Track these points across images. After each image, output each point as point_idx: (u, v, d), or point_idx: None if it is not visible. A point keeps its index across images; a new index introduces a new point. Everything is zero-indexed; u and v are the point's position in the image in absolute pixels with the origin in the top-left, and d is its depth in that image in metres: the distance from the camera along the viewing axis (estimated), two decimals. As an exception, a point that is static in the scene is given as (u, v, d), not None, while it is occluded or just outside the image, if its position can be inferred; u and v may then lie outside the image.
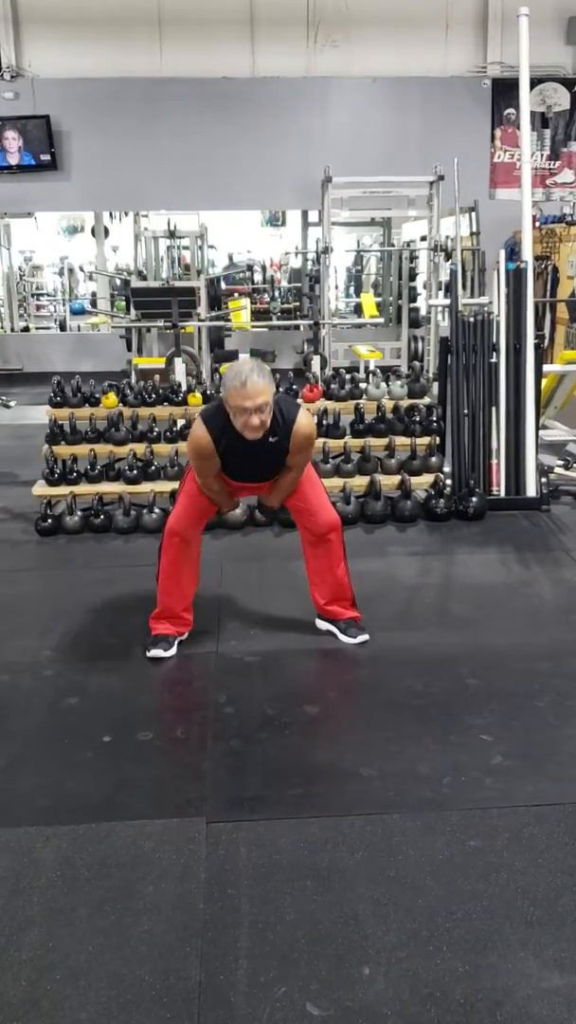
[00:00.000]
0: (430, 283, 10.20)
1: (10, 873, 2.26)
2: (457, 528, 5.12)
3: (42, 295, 15.58)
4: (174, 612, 3.54)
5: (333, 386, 5.89)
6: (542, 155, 11.65)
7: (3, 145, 11.13)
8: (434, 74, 11.31)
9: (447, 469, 5.50)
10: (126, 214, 13.65)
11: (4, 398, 7.91)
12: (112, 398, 5.71)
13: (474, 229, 11.05)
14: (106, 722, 3.01)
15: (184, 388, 5.91)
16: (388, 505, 5.21)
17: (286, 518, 4.24)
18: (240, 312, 12.05)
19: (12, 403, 8.09)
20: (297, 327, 11.77)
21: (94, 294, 14.75)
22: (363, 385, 5.94)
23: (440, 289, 9.37)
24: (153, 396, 5.82)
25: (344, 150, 10.64)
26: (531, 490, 5.41)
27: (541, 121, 11.51)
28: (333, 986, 1.91)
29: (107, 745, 2.88)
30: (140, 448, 5.46)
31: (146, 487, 5.24)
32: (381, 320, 11.71)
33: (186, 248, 12.54)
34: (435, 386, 6.28)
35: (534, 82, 10.60)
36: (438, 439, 5.66)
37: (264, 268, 15.38)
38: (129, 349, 10.39)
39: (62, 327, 14.31)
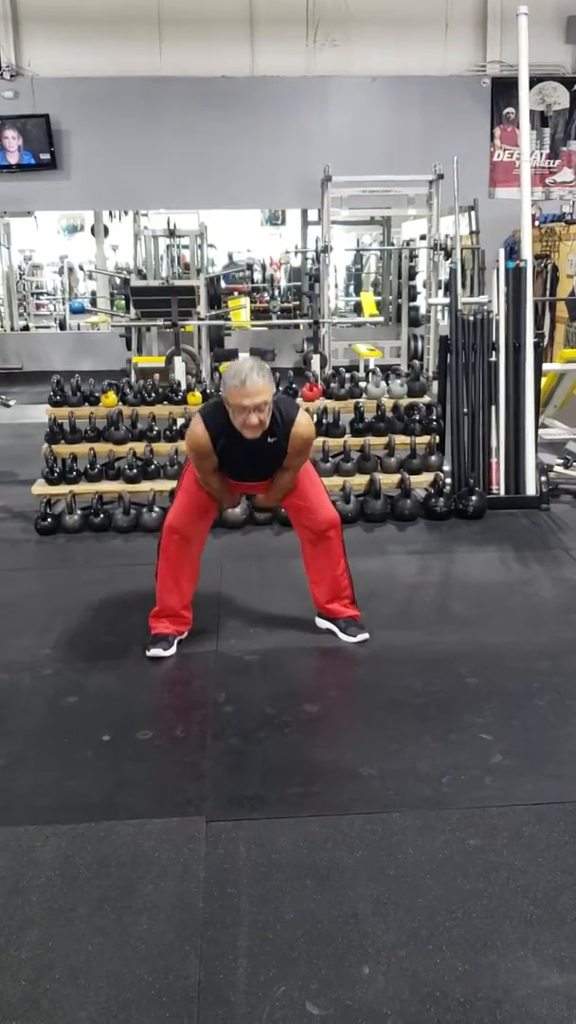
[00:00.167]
0: (430, 282, 10.21)
1: (9, 872, 2.26)
2: (457, 527, 5.11)
3: (42, 294, 15.59)
4: (173, 611, 3.54)
5: (333, 385, 5.89)
6: (541, 154, 11.65)
7: (3, 144, 11.14)
8: (434, 73, 11.31)
9: (447, 468, 5.50)
10: (126, 213, 13.67)
11: (4, 397, 7.91)
12: (112, 397, 5.71)
13: (474, 228, 11.05)
14: (105, 721, 3.01)
15: (184, 387, 5.91)
16: (388, 504, 5.20)
17: (286, 516, 4.24)
18: (240, 311, 12.05)
19: (12, 402, 8.09)
20: (297, 326, 11.77)
21: (94, 293, 14.77)
22: (363, 384, 5.94)
23: (440, 288, 9.38)
24: (153, 395, 5.82)
25: (344, 149, 10.64)
26: (531, 489, 5.40)
27: (540, 120, 11.51)
28: (333, 985, 1.90)
29: (107, 744, 2.88)
30: (140, 447, 5.46)
31: (146, 486, 5.24)
32: (381, 319, 11.72)
33: (186, 247, 12.55)
34: (435, 385, 6.29)
35: (533, 81, 10.60)
36: (438, 438, 5.66)
37: (264, 267, 15.39)
38: (129, 348, 10.39)
39: (62, 326, 14.33)
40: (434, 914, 2.09)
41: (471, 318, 5.42)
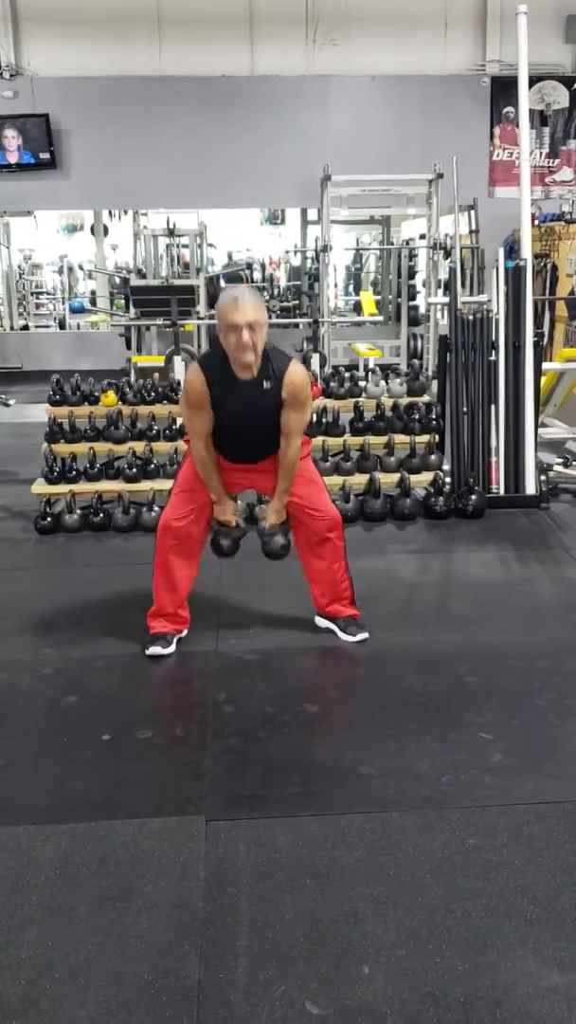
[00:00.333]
0: (429, 281, 10.21)
1: (9, 872, 2.26)
2: (456, 526, 5.11)
3: (41, 293, 15.59)
4: (168, 610, 3.53)
5: (332, 384, 5.89)
6: (541, 153, 11.65)
7: (2, 144, 11.13)
8: (433, 72, 11.31)
9: (446, 467, 5.50)
10: (125, 212, 13.67)
11: (3, 396, 7.91)
12: (111, 396, 5.71)
13: (473, 227, 11.05)
14: (105, 720, 3.01)
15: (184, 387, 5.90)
16: (387, 503, 5.20)
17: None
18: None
19: (11, 401, 8.10)
20: (296, 325, 11.77)
21: (93, 292, 14.77)
22: (362, 383, 5.94)
23: (439, 287, 9.38)
24: (152, 394, 5.82)
25: (343, 148, 10.64)
26: (530, 488, 5.40)
27: (540, 119, 11.51)
28: (332, 985, 1.90)
29: (106, 743, 2.88)
30: (139, 446, 5.46)
31: (145, 485, 5.24)
32: (380, 318, 11.70)
33: (185, 246, 12.54)
34: (434, 384, 6.28)
35: (533, 80, 10.60)
36: (437, 437, 5.66)
37: (263, 266, 15.38)
38: (128, 347, 10.40)
39: (61, 325, 14.32)
40: (434, 913, 2.09)
41: (471, 317, 5.42)
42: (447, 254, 9.33)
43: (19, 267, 14.98)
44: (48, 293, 15.65)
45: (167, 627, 3.52)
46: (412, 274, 12.42)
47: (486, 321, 5.40)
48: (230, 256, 15.43)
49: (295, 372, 3.25)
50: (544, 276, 10.07)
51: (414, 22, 11.21)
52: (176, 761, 2.79)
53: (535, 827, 2.40)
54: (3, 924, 2.09)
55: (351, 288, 15.01)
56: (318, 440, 5.41)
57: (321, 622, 3.69)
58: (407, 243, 12.74)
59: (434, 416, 5.67)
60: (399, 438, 5.59)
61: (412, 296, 12.02)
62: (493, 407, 5.40)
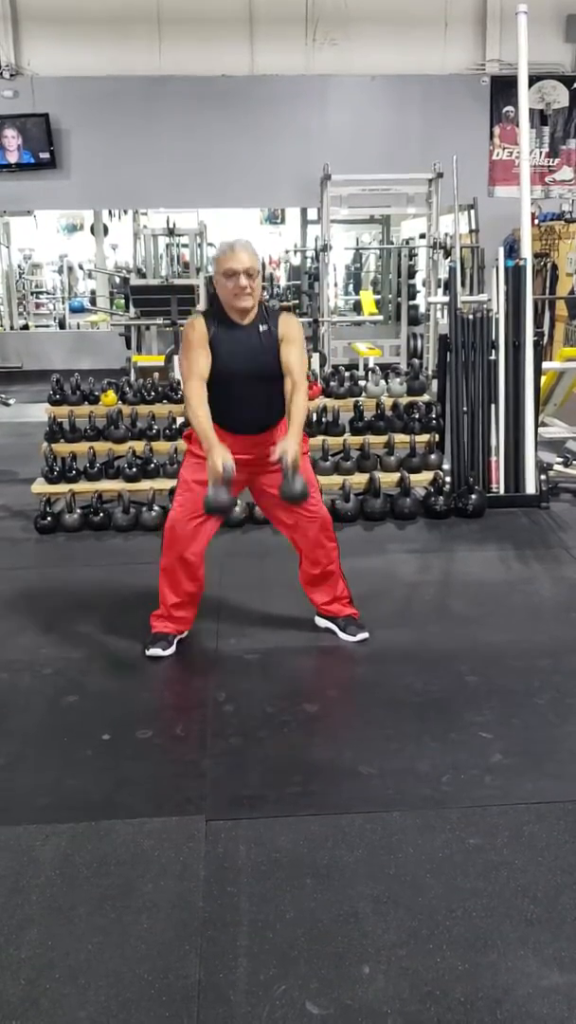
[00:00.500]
0: (429, 280, 10.21)
1: (9, 871, 2.26)
2: (456, 525, 5.11)
3: (41, 293, 15.59)
4: (173, 610, 3.53)
5: (332, 384, 5.89)
6: (541, 152, 11.65)
7: (2, 143, 11.13)
8: (433, 72, 11.31)
9: (446, 466, 5.50)
10: (125, 212, 13.67)
11: (3, 396, 7.92)
12: (111, 396, 5.71)
13: (473, 226, 11.05)
14: (105, 720, 3.01)
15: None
16: (387, 502, 5.20)
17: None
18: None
19: (11, 401, 8.10)
20: (296, 325, 11.74)
21: (93, 292, 14.77)
22: (362, 383, 5.94)
23: (439, 286, 9.38)
24: (152, 394, 5.82)
25: (343, 148, 10.64)
26: (530, 487, 5.40)
27: (540, 119, 11.51)
28: (333, 984, 1.90)
29: (106, 743, 2.88)
30: (139, 446, 5.46)
31: (145, 485, 5.24)
32: (380, 318, 11.71)
33: (185, 246, 12.54)
34: (434, 383, 6.29)
35: (533, 80, 10.60)
36: (437, 436, 5.66)
37: (264, 265, 15.34)
38: (128, 347, 10.39)
39: (61, 325, 14.32)
40: (434, 913, 2.09)
41: (471, 317, 5.42)
42: (447, 253, 9.33)
43: (19, 267, 14.98)
44: (48, 293, 15.65)
45: (170, 627, 3.52)
46: (412, 273, 12.43)
47: (486, 320, 5.40)
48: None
49: (288, 314, 3.38)
50: (544, 275, 10.07)
51: (414, 22, 11.21)
52: (176, 761, 2.79)
53: (535, 827, 2.40)
54: (3, 924, 2.09)
55: (351, 287, 15.02)
56: (318, 440, 5.41)
57: (321, 622, 3.68)
58: (407, 242, 12.76)
59: (434, 415, 5.67)
60: (399, 437, 5.59)
61: (412, 295, 12.03)
62: (493, 406, 5.40)
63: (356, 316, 12.39)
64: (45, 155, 11.15)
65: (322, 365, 8.11)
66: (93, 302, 14.19)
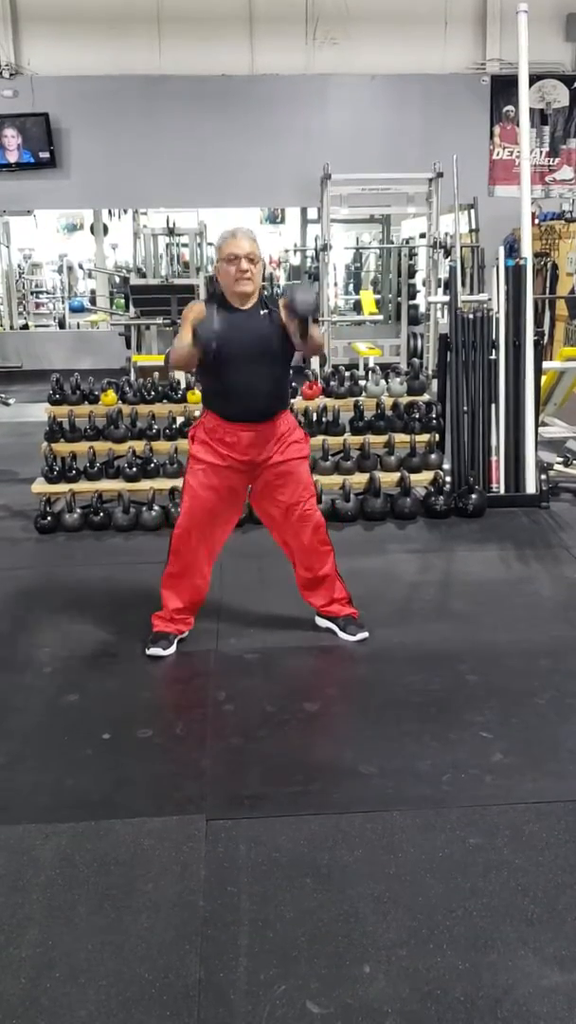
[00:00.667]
0: (429, 280, 10.20)
1: (9, 871, 2.26)
2: (456, 525, 5.11)
3: (41, 293, 15.59)
4: (175, 613, 3.53)
5: (332, 383, 5.89)
6: (541, 152, 11.64)
7: (2, 143, 11.12)
8: (433, 71, 11.30)
9: (447, 466, 5.49)
10: (125, 211, 13.66)
11: (3, 396, 7.92)
12: (111, 396, 5.70)
13: (473, 226, 11.05)
14: (105, 720, 3.01)
15: (183, 385, 5.90)
16: (388, 502, 5.20)
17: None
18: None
19: (11, 401, 8.10)
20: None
21: (93, 292, 14.76)
22: (362, 382, 5.94)
23: (439, 286, 9.37)
24: (152, 393, 5.82)
25: (343, 147, 10.63)
26: (531, 487, 5.40)
27: (540, 118, 11.50)
28: (333, 984, 1.90)
29: (106, 743, 2.88)
30: (139, 445, 5.46)
31: (145, 484, 5.23)
32: (380, 317, 11.70)
33: (185, 245, 12.54)
34: (434, 383, 6.28)
35: (533, 79, 10.58)
36: (437, 436, 5.65)
37: (264, 265, 15.36)
38: (128, 347, 10.39)
39: (61, 325, 14.32)
40: (434, 913, 2.09)
41: (471, 316, 5.42)
42: (447, 253, 9.33)
43: (19, 266, 14.98)
44: (48, 292, 15.65)
45: (170, 627, 3.52)
46: (412, 273, 12.42)
47: (486, 320, 5.39)
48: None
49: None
50: (544, 275, 10.07)
51: (414, 21, 11.20)
52: (176, 760, 2.79)
53: (536, 826, 2.40)
54: (3, 923, 2.09)
55: (351, 287, 15.01)
56: (318, 439, 5.40)
57: (321, 621, 3.68)
58: (407, 242, 12.75)
59: (434, 415, 5.67)
60: (399, 437, 5.58)
61: (412, 295, 12.02)
62: (493, 406, 5.40)
63: (356, 316, 12.38)
64: (45, 155, 11.14)
65: (322, 365, 8.10)
66: (93, 302, 14.19)
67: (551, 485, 5.48)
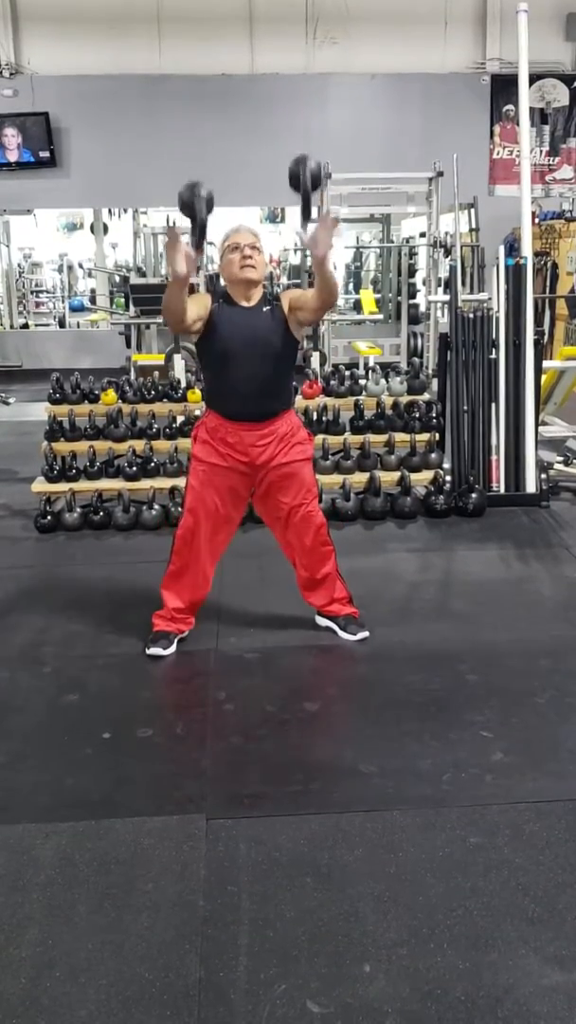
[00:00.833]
0: (429, 279, 10.20)
1: (9, 870, 2.26)
2: (457, 524, 5.11)
3: (41, 292, 15.59)
4: (175, 613, 3.53)
5: (333, 382, 5.89)
6: (541, 151, 11.64)
7: (2, 142, 11.12)
8: (433, 70, 11.31)
9: (447, 465, 5.49)
10: (125, 211, 13.65)
11: (3, 395, 7.91)
12: (111, 395, 5.70)
13: (473, 225, 11.04)
14: (105, 719, 3.01)
15: (183, 385, 5.90)
16: (388, 501, 5.20)
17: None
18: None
19: (11, 400, 8.10)
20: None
21: (93, 291, 14.76)
22: (363, 381, 5.94)
23: (439, 285, 9.37)
24: (152, 393, 5.82)
25: (343, 146, 10.62)
26: (531, 486, 5.40)
27: (540, 117, 11.50)
28: (333, 983, 1.90)
29: (106, 742, 2.88)
30: (139, 445, 5.46)
31: (145, 484, 5.23)
32: (380, 316, 11.71)
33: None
34: (435, 382, 6.28)
35: (533, 78, 10.58)
36: (438, 435, 5.65)
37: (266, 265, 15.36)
38: (128, 346, 10.39)
39: (61, 324, 14.32)
40: (435, 912, 2.09)
41: (471, 315, 5.42)
42: (447, 252, 9.32)
43: (19, 266, 14.97)
44: (48, 291, 15.64)
45: (170, 626, 3.52)
46: (412, 272, 12.42)
47: (486, 319, 5.39)
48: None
49: (287, 291, 3.43)
50: (544, 274, 10.07)
51: (414, 20, 11.20)
52: (176, 760, 2.78)
53: (536, 825, 2.40)
54: (3, 923, 2.08)
55: (351, 286, 15.00)
56: (318, 438, 5.40)
57: (321, 621, 3.68)
58: (407, 241, 12.74)
59: (434, 414, 5.67)
60: (399, 436, 5.58)
61: (412, 294, 12.02)
62: (493, 405, 5.39)
63: (356, 315, 12.38)
64: (45, 154, 11.15)
65: (322, 364, 8.09)
66: (93, 301, 14.19)
67: (551, 484, 5.48)
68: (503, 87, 11.22)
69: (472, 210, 11.06)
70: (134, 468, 5.31)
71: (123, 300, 11.33)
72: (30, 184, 11.30)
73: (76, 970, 1.95)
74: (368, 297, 11.52)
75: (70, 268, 15.04)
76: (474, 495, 5.21)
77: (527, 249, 5.69)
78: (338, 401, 5.76)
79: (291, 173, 3.25)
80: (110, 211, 14.14)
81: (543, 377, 5.85)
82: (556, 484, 5.55)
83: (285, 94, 11.21)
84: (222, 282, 3.39)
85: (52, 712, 3.09)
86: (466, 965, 1.94)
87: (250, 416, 3.32)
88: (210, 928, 2.06)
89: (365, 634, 3.59)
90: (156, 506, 5.03)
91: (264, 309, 3.28)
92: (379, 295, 12.59)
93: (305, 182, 3.12)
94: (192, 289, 4.74)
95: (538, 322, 6.68)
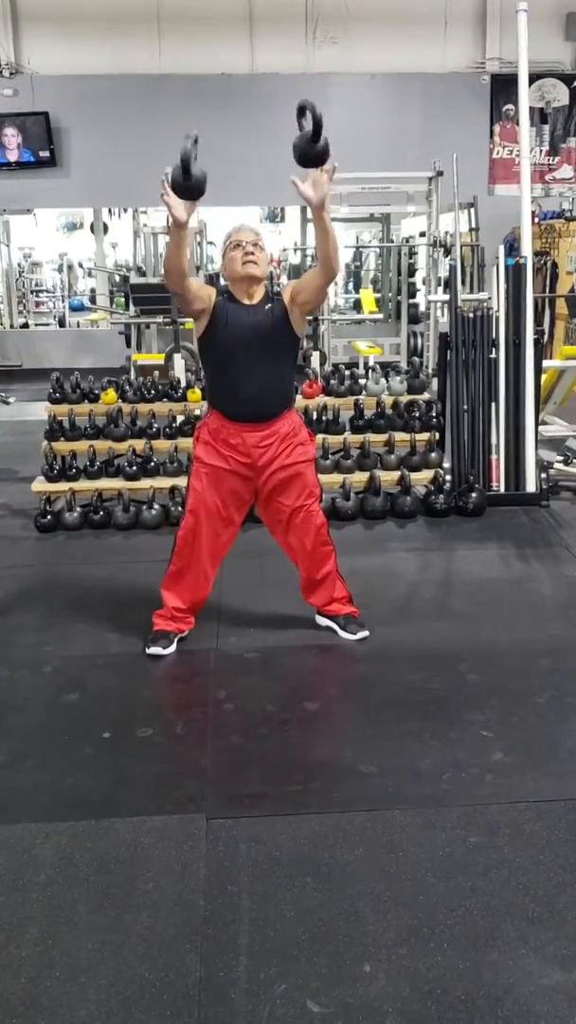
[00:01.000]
0: (429, 279, 10.20)
1: (9, 870, 2.26)
2: (457, 524, 5.11)
3: (41, 291, 15.58)
4: (176, 612, 3.53)
5: (332, 382, 5.88)
6: (541, 151, 11.64)
7: (2, 142, 11.12)
8: (433, 70, 11.31)
9: (447, 465, 5.49)
10: (125, 210, 13.65)
11: (3, 394, 7.91)
12: (111, 394, 5.70)
13: (473, 225, 11.04)
14: (106, 718, 3.01)
15: (183, 384, 5.90)
16: (388, 501, 5.19)
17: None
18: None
19: (11, 399, 8.08)
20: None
21: (93, 290, 14.75)
22: (362, 381, 5.93)
23: (439, 285, 9.37)
24: (152, 392, 5.82)
25: (343, 146, 10.43)
26: (531, 486, 5.40)
27: (540, 117, 11.51)
28: (333, 983, 1.90)
29: (107, 741, 2.88)
30: (139, 444, 5.45)
31: (145, 483, 5.23)
32: (380, 316, 11.70)
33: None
34: (434, 382, 6.28)
35: (533, 78, 10.59)
36: (437, 435, 5.65)
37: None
38: (128, 345, 10.38)
39: (61, 323, 14.32)
40: (435, 912, 2.09)
41: (471, 315, 5.41)
42: (447, 252, 9.33)
43: (19, 265, 14.97)
44: (48, 291, 15.63)
45: (171, 626, 3.52)
46: (412, 272, 12.40)
47: (486, 319, 5.39)
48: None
49: (288, 284, 3.42)
50: (544, 274, 10.07)
51: (414, 20, 11.20)
52: (176, 759, 2.78)
53: (536, 825, 2.40)
54: (3, 922, 2.08)
55: (351, 286, 15.00)
56: (319, 438, 5.39)
57: (321, 620, 3.68)
58: (407, 241, 12.74)
59: (434, 414, 5.67)
60: (399, 436, 5.58)
61: (412, 294, 12.01)
62: (493, 405, 5.39)
63: (356, 314, 12.37)
64: (45, 154, 11.15)
65: (322, 363, 8.10)
66: (93, 300, 14.18)
67: (551, 484, 5.48)
68: (503, 87, 11.23)
69: (472, 210, 11.06)
70: (134, 468, 5.31)
71: (123, 300, 11.32)
72: (30, 184, 11.30)
73: (76, 970, 1.95)
74: (368, 297, 11.52)
75: (70, 268, 15.04)
76: (474, 495, 5.21)
77: (527, 249, 5.68)
78: (338, 400, 5.76)
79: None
80: (110, 211, 14.14)
81: (543, 376, 5.85)
82: (556, 483, 5.55)
83: (285, 94, 11.11)
84: (223, 281, 3.39)
85: (52, 712, 3.09)
86: (466, 965, 1.94)
87: (252, 416, 3.32)
88: (210, 928, 2.05)
89: (365, 633, 3.59)
90: (156, 506, 5.03)
91: (266, 307, 3.28)
92: (379, 295, 12.60)
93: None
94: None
95: (538, 321, 6.68)
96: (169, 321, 8.06)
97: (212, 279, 10.40)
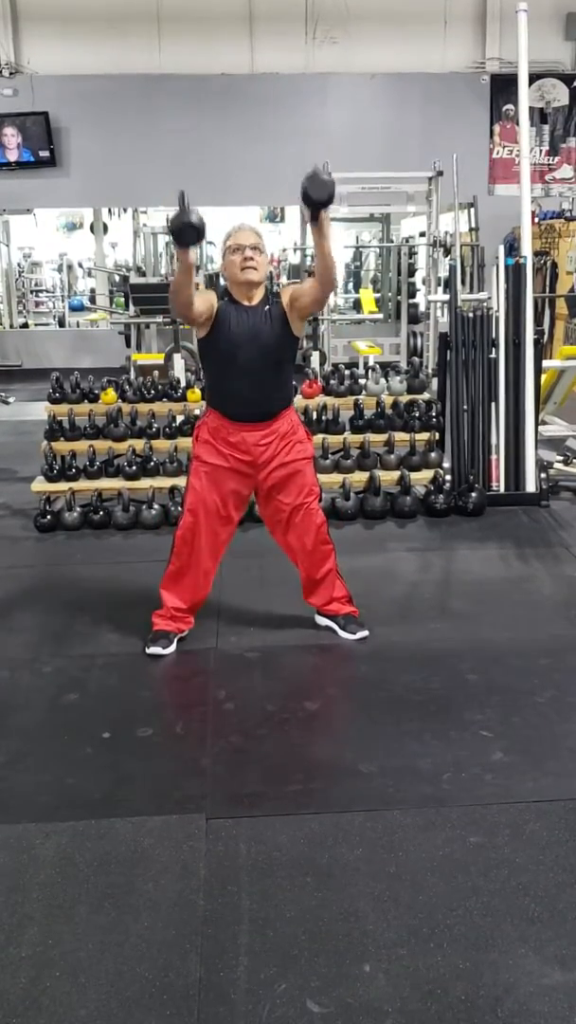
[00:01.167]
0: (429, 279, 10.20)
1: (9, 870, 2.26)
2: (456, 524, 5.11)
3: (41, 291, 15.57)
4: (175, 612, 3.53)
5: (332, 382, 5.88)
6: (541, 151, 11.65)
7: (2, 142, 11.12)
8: (433, 70, 11.31)
9: (446, 465, 5.49)
10: (125, 210, 13.65)
11: (3, 394, 7.90)
12: (111, 394, 5.70)
13: (473, 225, 11.04)
14: (105, 718, 3.01)
15: (183, 384, 5.90)
16: (387, 501, 5.19)
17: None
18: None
19: (11, 399, 8.08)
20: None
21: (93, 290, 14.75)
22: (362, 381, 5.93)
23: (439, 285, 9.37)
24: (152, 392, 5.82)
25: (343, 146, 10.62)
26: (531, 486, 5.40)
27: (540, 117, 11.51)
28: (333, 983, 1.90)
29: (107, 741, 2.87)
30: (139, 444, 5.45)
31: (145, 483, 5.23)
32: (380, 316, 11.70)
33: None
34: (434, 382, 6.28)
35: (533, 78, 10.58)
36: (437, 435, 5.65)
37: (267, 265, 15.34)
38: (128, 345, 10.38)
39: (61, 323, 14.31)
40: (435, 912, 2.09)
41: (471, 315, 5.41)
42: (447, 252, 9.33)
43: (19, 265, 14.97)
44: (48, 291, 15.63)
45: (170, 625, 3.52)
46: (412, 272, 12.38)
47: (486, 319, 5.39)
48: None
49: (286, 287, 3.41)
50: (544, 273, 10.07)
51: (414, 19, 11.20)
52: (176, 759, 2.78)
53: (536, 825, 2.39)
54: (3, 922, 2.08)
55: (351, 286, 15.00)
56: (318, 438, 5.40)
57: (321, 620, 3.68)
58: (407, 241, 12.73)
59: (434, 414, 5.67)
60: (399, 436, 5.58)
61: (412, 294, 11.99)
62: (493, 405, 5.39)
63: (356, 314, 12.37)
64: (45, 153, 11.15)
65: (322, 363, 8.10)
66: (93, 300, 14.18)
67: (551, 484, 5.48)
68: (503, 87, 11.23)
69: (472, 209, 11.06)
70: (134, 467, 5.30)
71: (123, 299, 11.32)
72: (30, 184, 11.30)
73: (76, 970, 1.94)
74: (368, 296, 11.51)
75: (70, 268, 15.03)
76: (474, 494, 5.21)
77: (527, 248, 5.68)
78: (338, 400, 5.76)
79: (305, 189, 3.13)
80: (110, 211, 14.14)
81: (543, 376, 5.85)
82: (556, 483, 5.55)
83: (285, 94, 11.21)
84: (223, 281, 3.39)
85: (52, 712, 3.09)
86: (466, 965, 1.94)
87: (252, 416, 3.33)
88: (210, 928, 2.05)
89: (365, 633, 3.59)
90: (156, 505, 5.03)
91: (265, 308, 3.29)
92: (379, 294, 12.59)
93: (321, 202, 3.08)
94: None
95: (538, 321, 6.68)
96: (169, 321, 8.06)
97: (212, 279, 10.42)
